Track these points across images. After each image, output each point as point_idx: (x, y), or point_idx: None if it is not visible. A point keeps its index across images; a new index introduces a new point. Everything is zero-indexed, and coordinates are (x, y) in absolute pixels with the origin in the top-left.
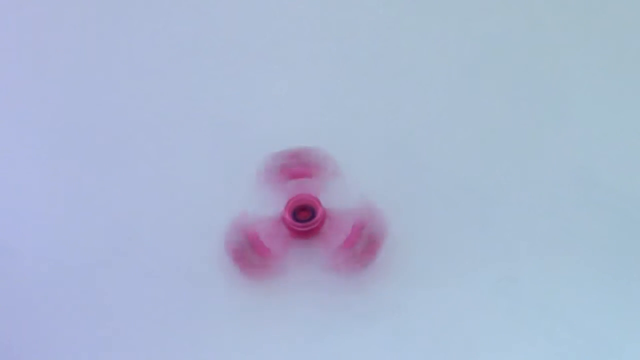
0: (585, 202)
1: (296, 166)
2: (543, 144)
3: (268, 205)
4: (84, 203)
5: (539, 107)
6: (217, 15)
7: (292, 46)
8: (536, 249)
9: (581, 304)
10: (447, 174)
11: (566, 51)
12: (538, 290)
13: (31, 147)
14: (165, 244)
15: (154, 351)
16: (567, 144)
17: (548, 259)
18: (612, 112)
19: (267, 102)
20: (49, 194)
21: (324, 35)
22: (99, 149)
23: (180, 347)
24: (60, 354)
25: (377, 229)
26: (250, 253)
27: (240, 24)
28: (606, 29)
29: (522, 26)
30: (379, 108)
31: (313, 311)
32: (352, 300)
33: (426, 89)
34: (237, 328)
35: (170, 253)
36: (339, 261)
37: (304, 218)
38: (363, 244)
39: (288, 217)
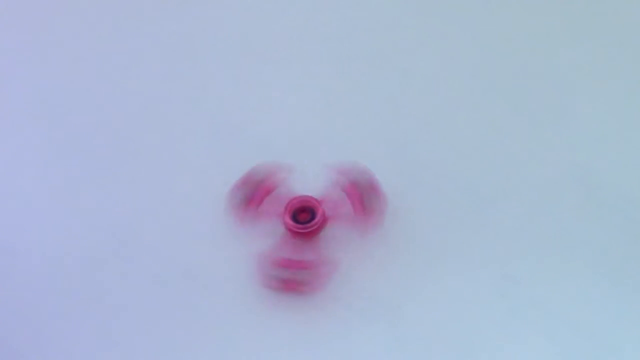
0: (585, 202)
1: (255, 189)
2: (543, 144)
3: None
4: (85, 203)
5: (539, 108)
6: (217, 16)
7: (293, 47)
8: (536, 249)
9: (581, 304)
10: (447, 174)
11: (566, 52)
12: (538, 290)
13: (31, 148)
14: (165, 244)
15: (154, 350)
16: (567, 144)
17: (548, 259)
18: (612, 112)
19: (268, 102)
20: (49, 194)
21: (324, 37)
22: (100, 149)
23: (179, 346)
24: (61, 354)
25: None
26: (295, 274)
27: (240, 25)
28: (606, 29)
29: (523, 27)
30: (379, 109)
31: (312, 311)
32: (352, 300)
33: (426, 89)
34: (236, 328)
35: (170, 253)
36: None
37: (304, 220)
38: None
39: (288, 219)
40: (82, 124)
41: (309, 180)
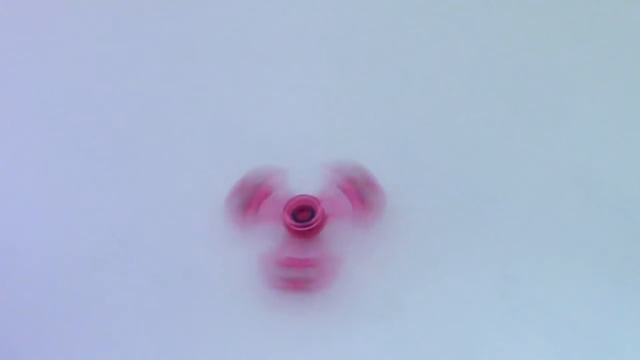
0: (585, 202)
1: (356, 190)
2: (543, 144)
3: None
4: (85, 203)
5: (539, 108)
6: (217, 16)
7: (293, 47)
8: (536, 249)
9: (581, 304)
10: (447, 174)
11: (566, 52)
12: (538, 290)
13: (31, 148)
14: (165, 244)
15: (154, 350)
16: (567, 144)
17: (548, 259)
18: (612, 112)
19: (268, 102)
20: (49, 194)
21: (324, 37)
22: (100, 149)
23: (179, 346)
24: (61, 354)
25: (318, 280)
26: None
27: (240, 25)
28: (606, 29)
29: (523, 27)
30: (379, 109)
31: (312, 311)
32: (352, 300)
33: (426, 89)
34: (236, 328)
35: (170, 253)
36: (267, 267)
37: (304, 218)
38: (296, 275)
39: (287, 218)
40: (82, 124)
41: (308, 180)
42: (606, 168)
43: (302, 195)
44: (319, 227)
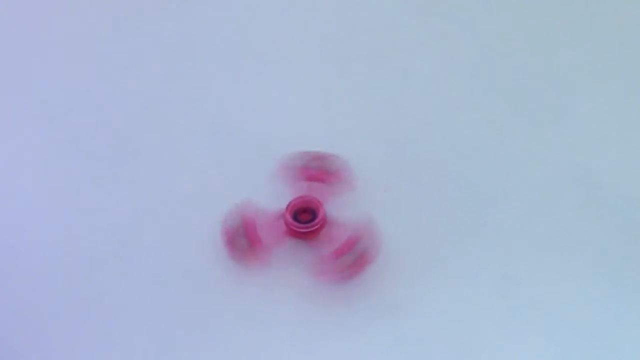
0: (585, 202)
1: (316, 169)
2: (543, 144)
3: (273, 201)
4: (85, 203)
5: (540, 108)
6: (217, 16)
7: (295, 48)
8: (536, 249)
9: (581, 304)
10: (447, 174)
11: (566, 52)
12: (538, 290)
13: (31, 148)
14: (165, 244)
15: (154, 350)
16: (567, 144)
17: (548, 259)
18: (612, 112)
19: (270, 102)
20: (49, 194)
21: (324, 37)
22: (100, 149)
23: (179, 346)
24: (61, 354)
25: (371, 247)
26: (241, 239)
27: (241, 25)
28: (606, 29)
29: (523, 27)
30: (379, 109)
31: (311, 310)
32: (352, 300)
33: (426, 89)
34: (236, 328)
35: (170, 253)
36: (323, 267)
37: (305, 220)
38: (352, 258)
39: (288, 216)
40: (82, 124)
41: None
42: (606, 168)
43: (304, 196)
44: (320, 229)
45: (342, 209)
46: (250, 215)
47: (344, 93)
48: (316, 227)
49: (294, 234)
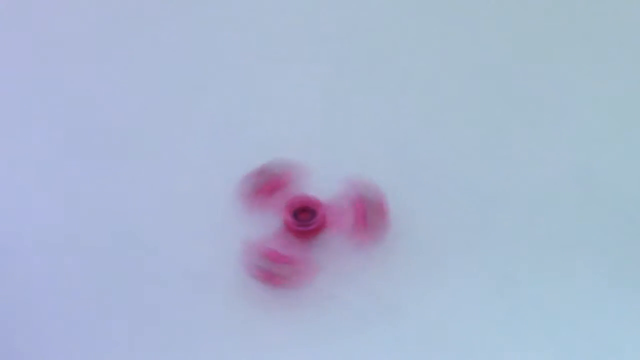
0: (585, 202)
1: (268, 181)
2: (543, 144)
3: (267, 220)
4: (85, 203)
5: (540, 108)
6: (218, 16)
7: (293, 47)
8: (536, 249)
9: (581, 304)
10: (447, 174)
11: (566, 52)
12: (538, 290)
13: (31, 148)
14: (165, 244)
15: (154, 350)
16: (567, 144)
17: (548, 259)
18: (612, 112)
19: (268, 102)
20: (49, 194)
21: (324, 37)
22: (100, 149)
23: (180, 346)
24: (61, 354)
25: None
26: (276, 267)
27: (241, 25)
28: (606, 29)
29: (523, 27)
30: (379, 109)
31: (310, 310)
32: (352, 300)
33: (427, 89)
34: (236, 328)
35: (170, 253)
36: (360, 238)
37: (305, 219)
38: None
39: (289, 219)
40: (82, 124)
41: (308, 180)
42: (606, 168)
43: (306, 195)
44: (317, 230)
45: (343, 219)
46: (262, 244)
47: (344, 93)
48: (318, 222)
49: (299, 234)
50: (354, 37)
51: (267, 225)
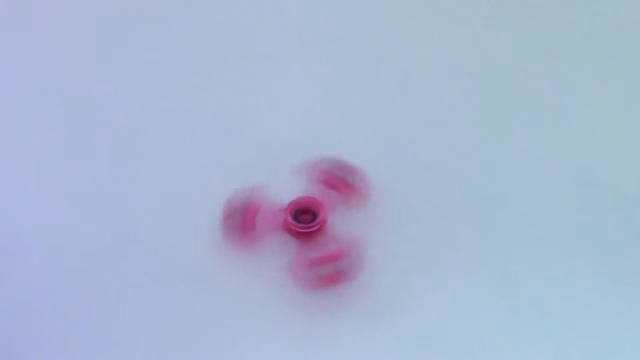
0: (585, 202)
1: (336, 177)
2: (543, 144)
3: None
4: (85, 203)
5: (540, 108)
6: (218, 16)
7: (293, 47)
8: (536, 249)
9: (581, 304)
10: (447, 174)
11: (566, 52)
12: (538, 290)
13: (31, 148)
14: (165, 244)
15: (154, 350)
16: (567, 144)
17: (548, 259)
18: (612, 112)
19: (268, 102)
20: (49, 194)
21: (324, 37)
22: (100, 149)
23: (180, 345)
24: (61, 354)
25: (352, 268)
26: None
27: (241, 25)
28: (606, 29)
29: (523, 27)
30: (379, 109)
31: (310, 310)
32: (352, 301)
33: (427, 89)
34: (236, 328)
35: (170, 253)
36: (298, 270)
37: (305, 221)
38: (331, 270)
39: (289, 218)
40: (82, 124)
41: (308, 181)
42: (606, 168)
43: (305, 197)
44: (320, 230)
45: (343, 213)
46: (256, 199)
47: (344, 93)
48: (315, 228)
49: (294, 233)
50: (354, 37)
51: (270, 241)
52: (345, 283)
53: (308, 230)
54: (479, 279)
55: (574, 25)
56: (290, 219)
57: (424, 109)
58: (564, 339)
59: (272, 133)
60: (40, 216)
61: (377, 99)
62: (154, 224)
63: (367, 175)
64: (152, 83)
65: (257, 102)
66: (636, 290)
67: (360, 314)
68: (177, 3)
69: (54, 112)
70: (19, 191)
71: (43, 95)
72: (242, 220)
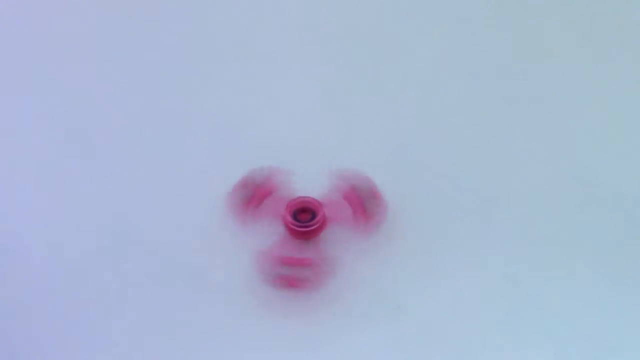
0: (585, 202)
1: (359, 198)
2: (543, 144)
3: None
4: (85, 203)
5: (540, 108)
6: (218, 16)
7: (293, 47)
8: (536, 249)
9: (581, 304)
10: (447, 174)
11: (566, 52)
12: (538, 290)
13: (31, 148)
14: (165, 244)
15: (154, 350)
16: (567, 144)
17: (548, 259)
18: (612, 112)
19: (268, 102)
20: (49, 194)
21: (324, 37)
22: (100, 149)
23: (180, 345)
24: (61, 354)
25: (313, 278)
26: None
27: (241, 25)
28: (606, 29)
29: (523, 27)
30: (379, 109)
31: (310, 310)
32: (352, 301)
33: (427, 89)
34: (236, 327)
35: (170, 253)
36: (264, 263)
37: (304, 220)
38: (292, 274)
39: (288, 217)
40: (82, 124)
41: (309, 181)
42: (606, 167)
43: (304, 196)
44: (319, 229)
45: (341, 212)
46: (274, 183)
47: (344, 93)
48: (315, 226)
49: (296, 234)
50: (354, 37)
51: (267, 228)
52: (300, 291)
53: (299, 229)
54: (479, 279)
55: (574, 25)
56: (288, 215)
57: (424, 109)
58: (564, 339)
59: (272, 133)
60: (40, 216)
61: (377, 99)
62: (154, 224)
63: (388, 206)
64: (152, 83)
65: (257, 102)
66: (636, 290)
67: (361, 313)
68: (177, 3)
69: (54, 112)
70: (19, 191)
71: (43, 95)
72: (251, 195)
